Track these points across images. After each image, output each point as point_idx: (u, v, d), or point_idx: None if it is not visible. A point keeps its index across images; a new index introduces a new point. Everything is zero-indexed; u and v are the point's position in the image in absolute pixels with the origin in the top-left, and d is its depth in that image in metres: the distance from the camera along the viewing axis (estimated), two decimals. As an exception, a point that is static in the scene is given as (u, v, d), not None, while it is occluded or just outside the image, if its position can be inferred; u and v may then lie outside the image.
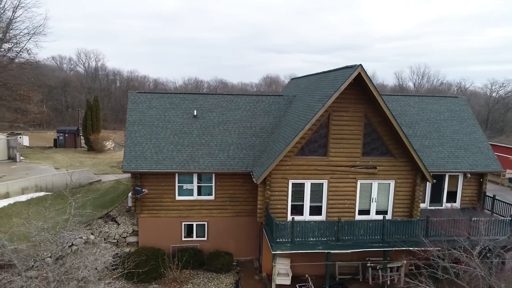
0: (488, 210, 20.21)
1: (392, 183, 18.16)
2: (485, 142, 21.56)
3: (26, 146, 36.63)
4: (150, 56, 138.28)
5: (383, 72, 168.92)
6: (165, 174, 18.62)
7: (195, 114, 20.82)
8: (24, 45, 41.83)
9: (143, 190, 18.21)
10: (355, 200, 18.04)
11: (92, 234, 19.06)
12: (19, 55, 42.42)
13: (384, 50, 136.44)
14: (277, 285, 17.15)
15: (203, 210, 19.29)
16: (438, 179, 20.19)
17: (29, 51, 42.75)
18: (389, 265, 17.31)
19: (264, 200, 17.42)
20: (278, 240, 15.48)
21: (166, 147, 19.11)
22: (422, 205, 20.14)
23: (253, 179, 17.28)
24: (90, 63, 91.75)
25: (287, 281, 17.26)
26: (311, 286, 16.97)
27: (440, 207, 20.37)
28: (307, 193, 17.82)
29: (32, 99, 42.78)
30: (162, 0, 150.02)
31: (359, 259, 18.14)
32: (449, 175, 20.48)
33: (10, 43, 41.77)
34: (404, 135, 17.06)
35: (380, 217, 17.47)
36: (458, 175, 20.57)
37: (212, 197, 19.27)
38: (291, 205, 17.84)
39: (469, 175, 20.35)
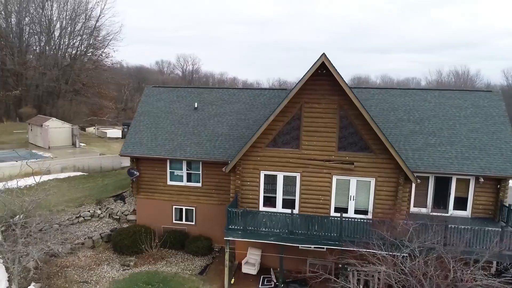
0: (504, 221, 17.19)
1: (372, 181, 16.87)
2: (510, 142, 18.31)
3: (98, 136, 42.72)
4: (245, 60, 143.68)
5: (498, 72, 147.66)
6: (158, 159, 20.31)
7: (195, 106, 22.14)
8: (103, 49, 48.83)
9: (135, 173, 20.21)
10: (330, 196, 17.25)
11: (100, 209, 21.81)
12: (100, 58, 49.65)
13: (505, 47, 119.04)
14: (244, 274, 17.51)
15: (191, 196, 20.49)
16: (443, 182, 17.98)
17: (108, 54, 49.71)
18: (365, 269, 16.14)
19: (235, 189, 17.85)
20: (230, 226, 15.82)
21: (161, 136, 20.83)
22: (423, 210, 18.19)
23: (223, 169, 17.84)
24: (188, 67, 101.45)
25: (253, 271, 17.39)
26: (273, 279, 16.82)
27: (445, 214, 18.05)
28: (279, 186, 17.67)
29: (108, 96, 49.59)
30: (263, 6, 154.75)
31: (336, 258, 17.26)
32: (457, 179, 17.99)
33: (92, 48, 49.17)
34: (378, 129, 15.78)
35: (360, 216, 16.51)
36: (469, 179, 17.93)
37: (199, 184, 20.34)
38: (264, 196, 17.89)
39: (482, 180, 17.57)
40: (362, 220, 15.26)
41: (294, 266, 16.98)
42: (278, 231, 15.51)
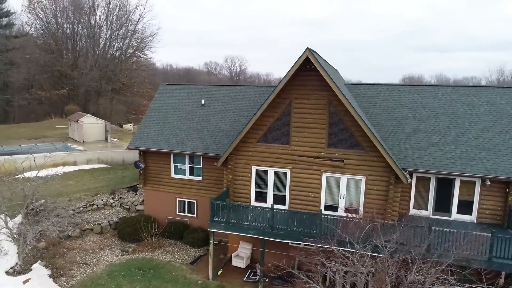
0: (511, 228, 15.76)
1: (363, 180, 16.34)
2: (527, 143, 16.70)
3: (133, 132, 45.33)
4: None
5: None
6: (163, 153, 21.28)
7: (203, 103, 22.85)
8: (141, 51, 51.63)
9: (141, 165, 21.34)
10: (319, 193, 16.98)
11: (112, 199, 23.29)
12: (139, 59, 52.58)
13: None
14: (234, 266, 17.83)
15: (193, 189, 21.18)
16: (446, 184, 16.91)
17: (146, 55, 52.44)
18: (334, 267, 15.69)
19: (227, 183, 18.21)
20: (214, 218, 16.21)
21: (167, 131, 21.79)
22: (424, 213, 17.28)
23: (214, 163, 18.26)
24: (235, 68, 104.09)
25: (242, 264, 17.64)
26: (258, 273, 16.91)
27: (448, 218, 16.97)
28: (270, 181, 17.73)
29: (146, 95, 52.31)
30: (316, 7, 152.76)
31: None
32: (461, 181, 16.80)
33: (133, 49, 52.19)
34: (365, 125, 15.26)
35: (350, 215, 16.13)
36: (475, 181, 16.66)
37: (200, 178, 20.98)
38: (256, 191, 18.05)
39: (489, 183, 16.25)
40: (338, 218, 14.82)
41: (286, 262, 16.86)
42: (259, 225, 15.64)
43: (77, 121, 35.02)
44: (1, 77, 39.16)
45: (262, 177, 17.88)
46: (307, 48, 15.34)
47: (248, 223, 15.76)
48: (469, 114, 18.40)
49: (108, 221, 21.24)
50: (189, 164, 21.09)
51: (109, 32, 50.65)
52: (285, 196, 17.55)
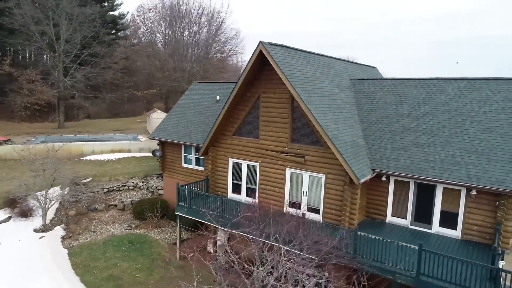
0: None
1: (323, 178, 15.49)
2: (534, 148, 13.29)
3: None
4: (422, 59, 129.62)
5: None
6: (176, 144, 23.44)
7: (218, 99, 24.27)
8: (223, 54, 55.62)
9: (156, 153, 23.93)
10: (284, 189, 16.67)
11: (142, 182, 26.59)
12: (221, 58, 56.67)
13: None
14: (208, 252, 18.84)
15: (197, 179, 22.76)
16: (427, 191, 14.76)
17: (228, 56, 56.22)
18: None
19: (208, 174, 19.27)
20: (179, 203, 17.49)
21: (181, 124, 23.90)
22: (402, 222, 15.45)
23: (197, 153, 19.45)
24: None
25: (212, 250, 18.48)
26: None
27: (428, 230, 14.77)
28: (244, 174, 18.13)
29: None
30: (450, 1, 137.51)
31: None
32: (444, 189, 14.38)
33: (216, 52, 56.60)
34: (315, 120, 14.48)
35: (313, 215, 15.69)
36: (460, 190, 14.06)
37: (203, 168, 22.45)
38: (233, 183, 18.67)
39: (475, 192, 13.54)
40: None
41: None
42: (212, 212, 16.31)
43: (149, 116, 40.34)
44: (100, 77, 47.85)
45: (237, 170, 18.41)
46: (260, 42, 15.37)
47: (204, 210, 16.60)
48: (475, 112, 15.49)
49: (131, 201, 24.50)
50: (195, 155, 22.78)
51: (195, 37, 56.27)
52: (255, 189, 17.74)
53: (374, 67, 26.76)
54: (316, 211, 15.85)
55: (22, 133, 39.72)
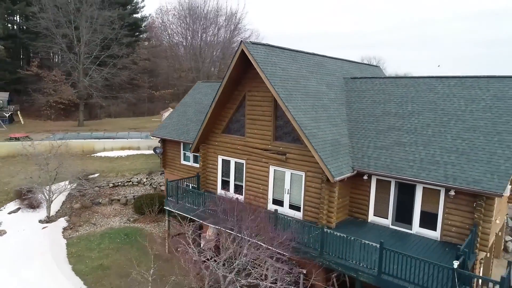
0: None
1: (303, 176, 15.58)
2: (517, 148, 12.81)
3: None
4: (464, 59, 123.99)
5: None
6: (175, 141, 24.12)
7: (217, 98, 24.73)
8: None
9: (157, 151, 24.70)
10: (267, 186, 16.87)
11: (146, 178, 27.50)
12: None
13: None
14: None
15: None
16: (407, 190, 14.56)
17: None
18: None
19: (199, 170, 19.76)
20: (168, 198, 18.05)
21: (181, 122, 24.55)
22: (384, 222, 15.31)
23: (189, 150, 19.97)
24: None
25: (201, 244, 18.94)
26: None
27: (408, 231, 14.56)
28: (232, 171, 18.47)
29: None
30: None
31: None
32: (424, 189, 14.11)
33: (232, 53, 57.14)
34: (292, 117, 14.61)
35: (294, 212, 15.87)
36: (440, 191, 13.76)
37: (198, 165, 22.97)
38: (222, 180, 19.06)
39: (453, 193, 13.23)
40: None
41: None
42: (196, 207, 16.77)
43: (162, 114, 41.51)
44: (117, 78, 49.76)
45: (226, 167, 18.77)
46: (241, 41, 15.65)
47: (189, 205, 17.08)
48: (461, 111, 15.09)
49: (133, 196, 25.43)
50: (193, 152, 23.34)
51: (213, 38, 57.29)
52: (242, 186, 18.04)
53: (376, 66, 26.37)
54: (297, 208, 15.96)
55: (44, 130, 41.94)
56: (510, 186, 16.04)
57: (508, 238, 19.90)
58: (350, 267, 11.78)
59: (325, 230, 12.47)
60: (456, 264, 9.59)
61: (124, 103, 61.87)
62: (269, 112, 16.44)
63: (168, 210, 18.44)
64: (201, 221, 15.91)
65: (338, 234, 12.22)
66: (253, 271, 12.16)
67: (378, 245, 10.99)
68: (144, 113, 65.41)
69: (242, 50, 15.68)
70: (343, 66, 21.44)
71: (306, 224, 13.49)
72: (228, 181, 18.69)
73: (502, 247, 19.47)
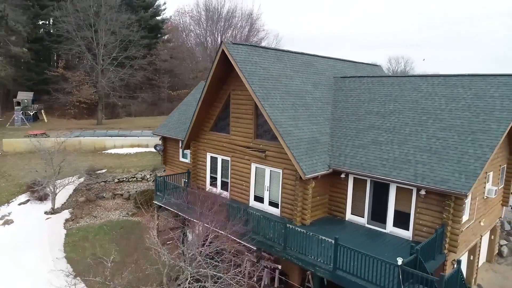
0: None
1: (281, 173, 15.87)
2: (488, 148, 12.53)
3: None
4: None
5: None
6: (174, 139, 24.93)
7: (216, 97, 25.35)
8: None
9: (157, 148, 25.61)
10: (249, 183, 17.26)
11: (150, 174, 28.52)
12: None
13: None
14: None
15: (191, 172, 24.07)
16: (382, 189, 14.56)
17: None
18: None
19: (189, 167, 20.43)
20: (157, 193, 18.80)
21: (181, 120, 25.31)
22: (360, 220, 15.37)
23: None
24: (398, 68, 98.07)
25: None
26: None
27: (383, 230, 14.55)
28: (219, 168, 19.00)
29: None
30: None
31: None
32: (397, 188, 14.05)
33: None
34: (267, 115, 14.93)
35: (273, 209, 16.24)
36: (412, 190, 13.65)
37: (195, 163, 23.66)
38: (210, 176, 19.63)
39: (424, 192, 13.11)
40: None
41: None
42: (179, 201, 17.41)
43: (174, 114, 42.76)
44: (133, 78, 51.58)
45: (214, 164, 19.32)
46: (221, 42, 16.12)
47: (174, 200, 17.74)
48: (441, 110, 14.89)
49: (136, 191, 26.49)
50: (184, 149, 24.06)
51: (230, 39, 58.05)
52: (228, 182, 18.52)
53: (377, 66, 26.07)
54: (276, 205, 16.26)
55: (64, 128, 44.15)
56: (496, 188, 15.72)
57: (503, 242, 19.25)
58: (309, 262, 12.00)
59: (288, 226, 12.72)
60: (400, 261, 9.62)
61: (144, 102, 63.90)
62: (250, 111, 16.83)
63: (157, 204, 19.22)
64: (182, 214, 16.54)
65: (299, 229, 12.45)
66: (220, 264, 12.61)
67: (333, 241, 11.14)
68: (163, 112, 67.22)
69: (223, 50, 16.17)
70: (335, 65, 21.46)
71: (272, 219, 13.78)
72: (216, 178, 19.23)
73: (496, 251, 18.88)
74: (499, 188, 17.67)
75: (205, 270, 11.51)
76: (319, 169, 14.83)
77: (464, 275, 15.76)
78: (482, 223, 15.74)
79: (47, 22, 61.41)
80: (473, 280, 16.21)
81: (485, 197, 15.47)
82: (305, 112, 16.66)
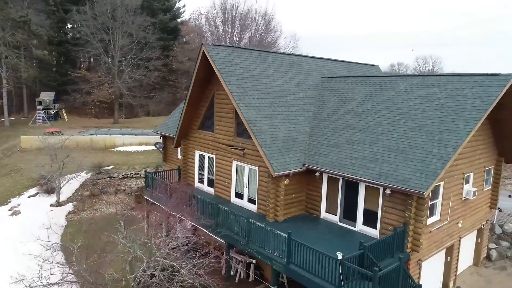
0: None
1: (257, 170, 16.33)
2: (452, 148, 12.46)
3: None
4: None
5: None
6: (173, 138, 25.81)
7: (213, 97, 26.10)
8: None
9: (157, 146, 26.64)
10: (231, 180, 17.81)
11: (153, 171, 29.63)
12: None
13: None
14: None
15: (187, 169, 24.89)
16: (352, 188, 14.75)
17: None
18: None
19: (180, 164, 21.23)
20: (147, 188, 19.69)
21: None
22: (333, 218, 15.63)
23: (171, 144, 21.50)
24: (426, 68, 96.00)
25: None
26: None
27: (353, 228, 14.73)
28: (206, 165, 19.66)
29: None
30: None
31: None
32: (366, 187, 14.19)
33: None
34: (241, 114, 15.45)
35: (251, 206, 16.77)
36: (379, 189, 13.76)
37: (191, 160, 24.45)
38: (199, 173, 20.34)
39: (389, 191, 13.20)
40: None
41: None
42: (164, 197, 18.18)
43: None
44: (147, 78, 53.39)
45: (201, 161, 20.01)
46: (201, 43, 16.76)
47: (161, 195, 18.56)
48: (415, 109, 14.88)
49: (138, 187, 27.65)
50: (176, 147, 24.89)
51: (249, 41, 58.97)
52: (213, 179, 19.16)
53: (375, 65, 25.93)
54: (253, 201, 16.73)
55: (81, 126, 46.41)
56: (476, 189, 15.55)
57: (492, 245, 18.81)
58: (267, 255, 12.41)
59: (250, 220, 13.18)
60: (340, 255, 9.88)
61: (162, 102, 65.82)
62: (231, 110, 17.37)
63: (146, 198, 20.14)
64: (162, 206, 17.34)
65: (259, 224, 12.88)
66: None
67: (286, 235, 11.51)
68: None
69: (203, 52, 16.82)
70: (325, 65, 21.63)
71: (237, 214, 14.27)
72: (203, 175, 19.92)
73: (485, 254, 18.49)
74: (485, 190, 17.37)
75: (165, 260, 12.17)
76: (292, 167, 15.17)
77: (442, 277, 15.73)
78: (460, 225, 15.56)
79: (70, 26, 64.60)
80: (452, 282, 16.02)
81: (463, 198, 15.30)
82: (285, 112, 17.02)
